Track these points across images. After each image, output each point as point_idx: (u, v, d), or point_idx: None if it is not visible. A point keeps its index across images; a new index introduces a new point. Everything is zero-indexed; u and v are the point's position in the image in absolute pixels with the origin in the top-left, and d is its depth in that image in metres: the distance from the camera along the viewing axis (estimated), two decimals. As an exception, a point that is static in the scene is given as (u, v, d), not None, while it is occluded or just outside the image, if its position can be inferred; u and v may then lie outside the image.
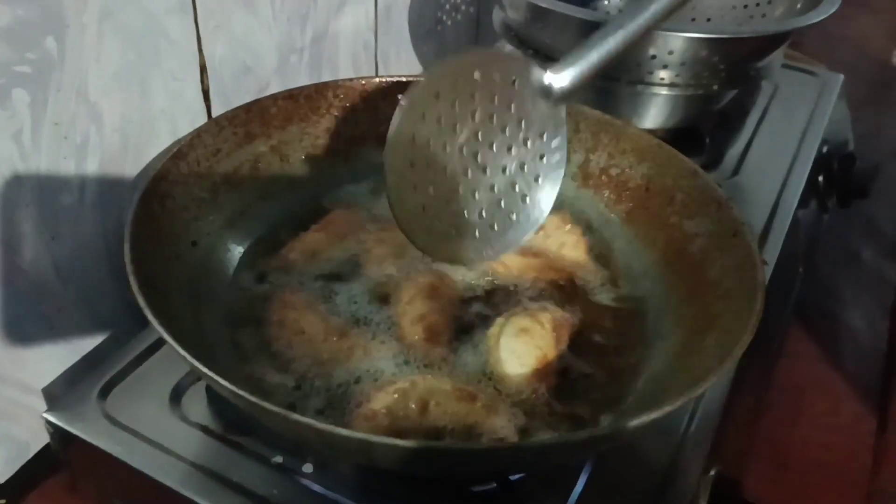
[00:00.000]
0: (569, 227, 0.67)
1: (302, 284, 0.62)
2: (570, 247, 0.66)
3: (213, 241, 0.61)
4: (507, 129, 0.56)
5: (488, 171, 0.56)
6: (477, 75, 0.53)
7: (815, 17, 0.78)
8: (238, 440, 0.56)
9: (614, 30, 0.55)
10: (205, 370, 0.43)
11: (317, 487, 0.54)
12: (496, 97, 0.55)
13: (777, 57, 0.88)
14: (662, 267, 0.63)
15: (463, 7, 1.10)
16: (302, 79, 0.82)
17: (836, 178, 0.95)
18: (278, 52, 0.78)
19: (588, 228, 0.69)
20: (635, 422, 0.42)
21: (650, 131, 0.70)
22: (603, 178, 0.69)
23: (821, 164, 0.93)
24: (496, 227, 0.58)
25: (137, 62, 0.62)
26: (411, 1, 0.97)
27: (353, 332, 0.58)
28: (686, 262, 0.61)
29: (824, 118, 0.98)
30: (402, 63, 1.00)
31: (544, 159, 0.58)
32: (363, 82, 0.70)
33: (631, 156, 0.67)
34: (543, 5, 0.77)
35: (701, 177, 0.62)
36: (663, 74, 0.79)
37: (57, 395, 0.63)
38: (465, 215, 0.56)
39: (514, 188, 0.58)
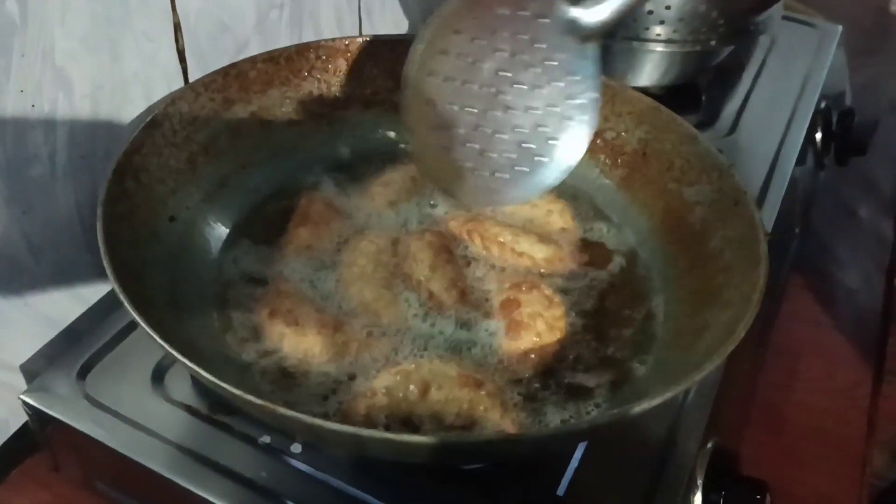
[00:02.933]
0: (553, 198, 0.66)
1: (293, 273, 0.59)
2: (557, 215, 0.64)
3: (193, 216, 0.59)
4: (533, 68, 0.53)
5: (511, 110, 0.54)
6: (500, 10, 0.51)
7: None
8: (224, 420, 0.54)
9: None
10: (186, 362, 0.41)
11: (305, 468, 0.52)
12: (521, 33, 0.52)
13: (777, 10, 0.85)
14: (660, 237, 0.61)
15: (450, -44, 1.06)
16: (282, 36, 0.78)
17: (835, 134, 0.92)
18: (257, 8, 0.74)
19: (581, 196, 0.66)
20: (637, 408, 0.41)
21: (645, 89, 0.67)
22: (598, 142, 0.66)
23: (819, 119, 0.91)
24: (523, 169, 0.55)
25: (106, 23, 0.59)
26: (397, -49, 0.93)
27: (347, 326, 0.56)
28: (685, 232, 0.59)
29: (823, 72, 0.95)
30: (388, 18, 0.96)
31: (574, 100, 0.55)
32: (346, 42, 0.67)
33: (628, 119, 0.65)
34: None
35: (701, 142, 0.60)
36: (660, 30, 0.76)
37: (35, 372, 0.61)
38: (488, 155, 0.54)
39: (538, 129, 0.54)
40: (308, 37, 0.81)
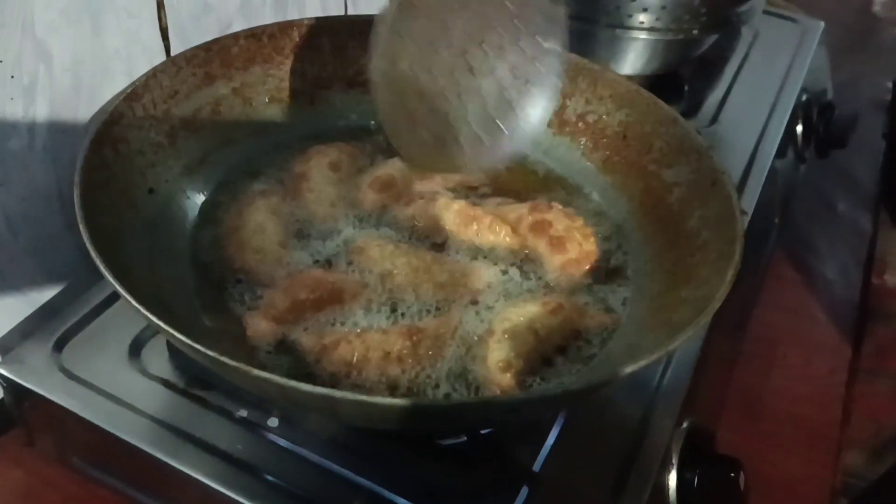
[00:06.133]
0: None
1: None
2: None
3: (172, 189, 0.59)
4: (500, 28, 0.52)
5: (476, 72, 0.53)
6: None
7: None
8: (201, 394, 0.54)
9: None
10: (158, 322, 0.40)
11: (282, 442, 0.52)
12: None
13: (759, 2, 0.86)
14: (640, 217, 0.61)
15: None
16: (267, 18, 0.78)
17: (815, 127, 0.93)
18: (241, -11, 0.74)
19: (562, 177, 0.67)
20: (607, 376, 0.41)
21: (629, 77, 0.67)
22: (580, 124, 0.67)
23: (799, 112, 0.92)
24: (484, 137, 0.54)
25: (87, -4, 0.59)
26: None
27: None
28: (664, 212, 0.59)
29: (804, 66, 0.96)
30: (373, 1, 0.96)
31: (537, 63, 0.54)
32: (330, 21, 0.67)
33: (609, 102, 0.65)
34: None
35: (681, 125, 0.60)
36: (643, 18, 0.77)
37: (10, 347, 0.60)
38: (453, 122, 0.53)
39: (503, 94, 0.54)
40: (292, 18, 0.81)
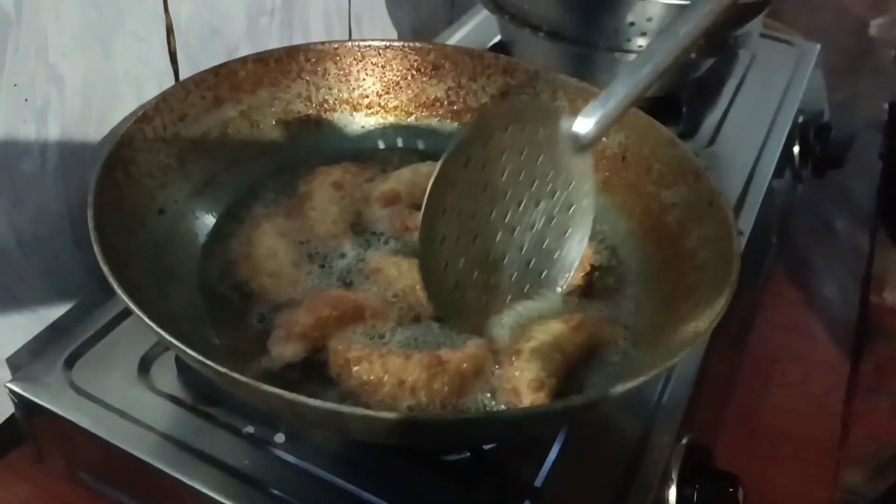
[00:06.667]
0: None
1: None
2: None
3: (181, 210, 0.60)
4: (535, 183, 0.54)
5: (517, 231, 0.54)
6: (507, 131, 0.52)
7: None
8: (208, 410, 0.55)
9: (641, 67, 0.53)
10: (170, 338, 0.41)
11: (289, 457, 0.53)
12: (525, 151, 0.53)
13: (755, 25, 0.87)
14: (638, 237, 0.62)
15: (439, -30, 1.08)
16: (273, 43, 0.80)
17: (812, 147, 0.95)
18: (248, 13, 0.75)
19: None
20: (609, 392, 0.42)
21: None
22: (579, 146, 0.68)
23: (796, 133, 0.93)
24: (526, 290, 0.56)
25: (99, 22, 0.60)
26: (386, -38, 0.95)
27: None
28: (662, 232, 0.60)
29: (801, 88, 0.98)
30: (377, 27, 0.98)
31: (572, 210, 0.56)
32: (335, 46, 0.69)
33: (608, 124, 0.66)
34: (520, -31, 0.76)
35: (678, 146, 0.61)
36: (641, 42, 0.78)
37: (21, 365, 0.62)
38: (497, 282, 0.54)
39: (543, 245, 0.56)
40: (298, 43, 0.83)
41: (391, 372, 0.50)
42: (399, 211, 0.64)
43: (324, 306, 0.54)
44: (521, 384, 0.51)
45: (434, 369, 0.50)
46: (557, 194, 0.55)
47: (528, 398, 0.50)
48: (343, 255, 0.61)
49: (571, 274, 0.58)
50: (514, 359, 0.53)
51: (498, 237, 0.54)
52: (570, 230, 0.57)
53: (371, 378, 0.50)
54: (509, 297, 0.56)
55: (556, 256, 0.57)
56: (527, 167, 0.54)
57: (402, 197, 0.64)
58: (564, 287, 0.58)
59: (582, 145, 0.54)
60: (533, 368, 0.51)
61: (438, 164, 0.50)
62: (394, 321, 0.56)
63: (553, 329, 0.54)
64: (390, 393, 0.50)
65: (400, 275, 0.58)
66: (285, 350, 0.53)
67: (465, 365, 0.51)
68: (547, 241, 0.56)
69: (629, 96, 0.53)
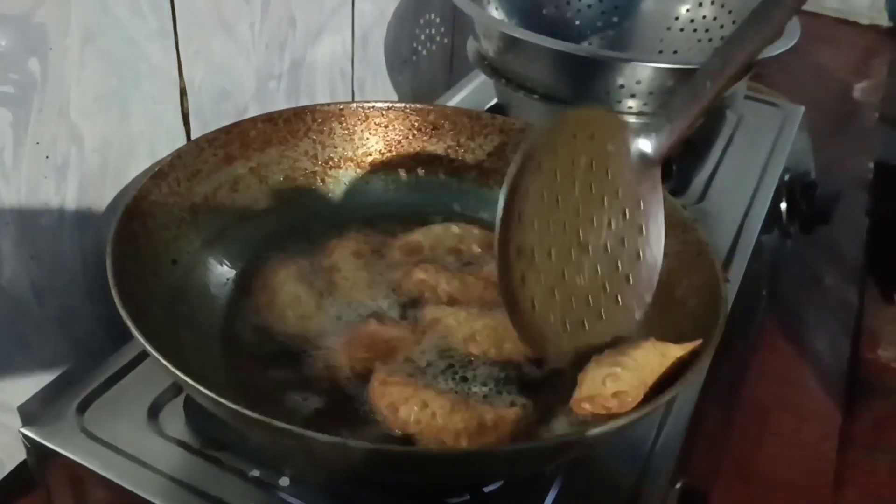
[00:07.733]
0: None
1: None
2: None
3: (193, 260, 0.62)
4: (606, 200, 0.51)
5: (591, 249, 0.51)
6: (575, 138, 0.49)
7: (776, 49, 0.81)
8: (215, 455, 0.57)
9: (703, 83, 0.51)
10: (187, 379, 0.44)
11: (293, 500, 0.54)
12: (594, 163, 0.50)
13: (740, 88, 0.91)
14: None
15: (437, 38, 1.13)
16: (280, 104, 0.84)
17: (799, 204, 0.98)
18: (257, 77, 0.79)
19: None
20: (601, 429, 0.44)
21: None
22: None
23: (783, 190, 0.97)
24: (603, 316, 0.53)
25: (118, 85, 0.64)
26: (387, 30, 1.00)
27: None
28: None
29: (786, 148, 1.02)
30: (379, 91, 1.02)
31: (644, 230, 0.53)
32: (340, 107, 0.72)
33: (600, 180, 0.69)
34: (517, 35, 0.80)
35: (668, 200, 0.64)
36: (631, 103, 0.82)
37: (33, 412, 0.63)
38: (574, 305, 0.51)
39: (618, 269, 0.52)
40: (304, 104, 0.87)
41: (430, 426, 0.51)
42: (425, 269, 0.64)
43: (359, 345, 0.56)
44: (592, 380, 0.50)
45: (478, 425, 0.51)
46: (628, 214, 0.52)
47: (604, 392, 0.49)
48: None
49: (648, 301, 0.55)
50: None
51: (573, 255, 0.50)
52: (641, 252, 0.54)
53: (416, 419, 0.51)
54: (586, 322, 0.52)
55: (630, 281, 0.53)
56: (597, 181, 0.50)
57: (424, 249, 0.67)
58: (641, 316, 0.55)
59: (650, 161, 0.52)
60: (602, 367, 0.50)
61: (511, 169, 0.47)
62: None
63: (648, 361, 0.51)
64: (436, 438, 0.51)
65: (458, 324, 0.58)
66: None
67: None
68: (621, 266, 0.53)
69: (693, 111, 0.52)
